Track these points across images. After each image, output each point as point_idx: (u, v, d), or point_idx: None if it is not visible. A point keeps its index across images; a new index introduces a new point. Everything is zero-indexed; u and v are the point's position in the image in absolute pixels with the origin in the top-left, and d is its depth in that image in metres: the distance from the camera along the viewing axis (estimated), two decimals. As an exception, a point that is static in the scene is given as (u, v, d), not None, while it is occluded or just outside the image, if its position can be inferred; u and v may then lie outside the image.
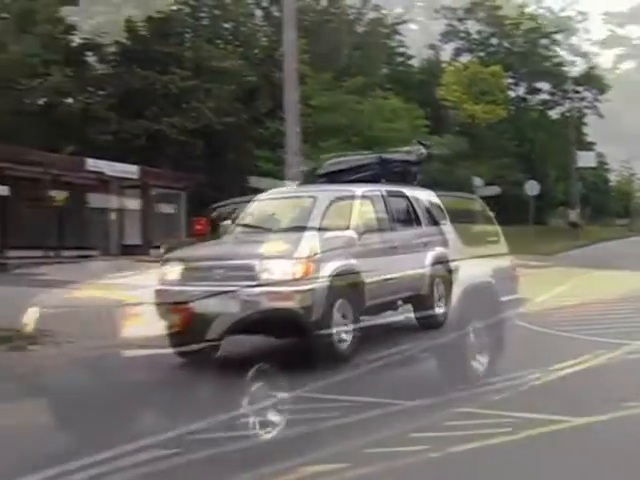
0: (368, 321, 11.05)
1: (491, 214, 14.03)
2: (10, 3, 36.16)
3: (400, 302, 11.69)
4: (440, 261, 12.20)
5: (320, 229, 10.82)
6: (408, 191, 12.53)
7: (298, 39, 26.79)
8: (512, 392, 10.34)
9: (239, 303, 9.55)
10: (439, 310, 11.86)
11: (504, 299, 12.02)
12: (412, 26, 60.75)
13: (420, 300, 11.75)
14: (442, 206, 12.87)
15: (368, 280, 10.92)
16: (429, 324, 11.66)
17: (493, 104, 48.88)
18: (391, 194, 12.27)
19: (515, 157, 54.69)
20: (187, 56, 41.51)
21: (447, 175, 40.51)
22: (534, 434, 8.52)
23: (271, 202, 12.41)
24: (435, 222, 12.64)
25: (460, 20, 61.13)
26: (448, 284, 12.04)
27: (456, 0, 61.35)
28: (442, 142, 44.18)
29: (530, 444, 8.33)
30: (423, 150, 13.47)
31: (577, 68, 63.67)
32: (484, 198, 42.29)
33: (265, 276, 9.84)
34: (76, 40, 40.92)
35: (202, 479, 7.26)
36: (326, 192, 12.00)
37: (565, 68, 62.77)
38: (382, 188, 12.27)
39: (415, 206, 12.43)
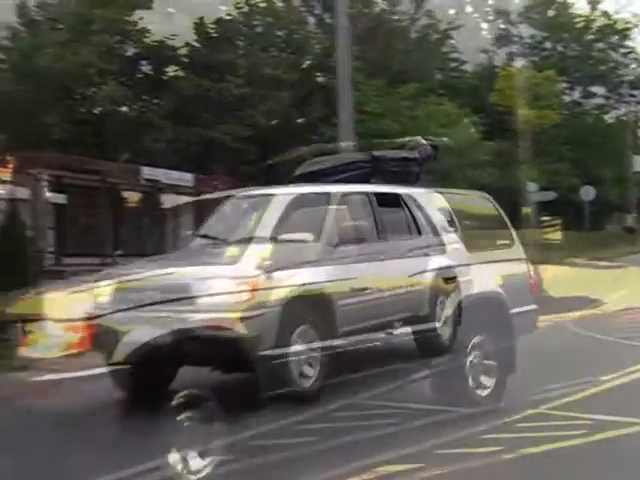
0: (346, 348, 9.22)
1: (503, 213, 11.81)
2: (67, 13, 36.51)
3: (398, 324, 9.86)
4: (445, 276, 10.35)
5: (276, 239, 9.08)
6: (405, 193, 10.74)
7: (351, 45, 26.74)
8: (585, 394, 10.21)
9: (164, 329, 7.89)
10: (444, 333, 10.02)
11: (516, 311, 10.67)
12: (486, 30, 60.81)
13: (419, 322, 9.90)
14: (451, 211, 11.03)
15: (343, 301, 9.17)
16: (431, 350, 9.91)
17: (547, 109, 48.55)
18: (381, 196, 10.44)
19: (570, 162, 54.23)
20: (241, 63, 41.69)
21: (500, 180, 40.33)
22: (609, 436, 8.39)
23: (240, 204, 10.61)
24: (440, 229, 10.78)
25: (513, 24, 60.85)
26: (455, 303, 10.26)
27: (510, 4, 61.07)
28: (495, 148, 44.02)
29: (605, 447, 8.20)
30: (428, 147, 11.62)
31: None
32: (540, 203, 42.08)
33: (203, 299, 8.24)
34: (131, 50, 41.36)
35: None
36: (287, 192, 10.09)
37: (621, 71, 62.17)
38: (370, 189, 10.49)
39: (413, 211, 10.64)
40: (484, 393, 10.08)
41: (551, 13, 60.71)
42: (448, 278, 10.32)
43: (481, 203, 11.77)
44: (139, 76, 41.49)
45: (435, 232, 10.59)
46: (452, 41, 54.41)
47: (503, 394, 10.18)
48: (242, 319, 8.32)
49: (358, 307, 9.36)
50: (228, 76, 40.40)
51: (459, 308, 10.14)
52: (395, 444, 8.02)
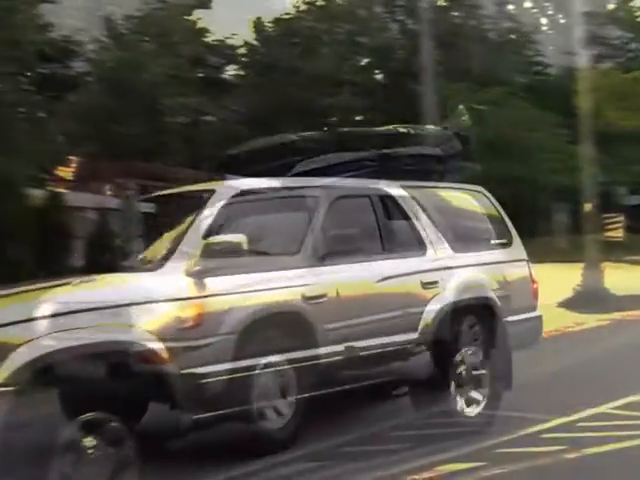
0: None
1: (500, 209, 10.32)
2: (152, 25, 37.15)
3: (418, 349, 8.68)
4: (471, 293, 9.27)
5: (209, 247, 7.47)
6: (421, 193, 9.37)
7: (434, 50, 26.87)
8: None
9: (52, 347, 6.39)
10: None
11: (514, 319, 9.51)
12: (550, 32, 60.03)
13: (437, 350, 8.78)
14: (482, 214, 9.96)
15: (330, 325, 7.98)
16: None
17: (634, 111, 47.76)
18: (386, 198, 9.10)
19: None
20: (324, 70, 42.00)
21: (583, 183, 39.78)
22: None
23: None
24: (467, 238, 9.61)
25: (599, 25, 60.01)
26: (485, 323, 9.24)
27: (595, 5, 60.20)
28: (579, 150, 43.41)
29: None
30: (456, 142, 10.11)
31: None
32: (630, 207, 41.37)
33: (141, 325, 6.83)
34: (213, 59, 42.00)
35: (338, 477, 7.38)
36: (238, 184, 8.45)
37: None
38: (373, 186, 9.15)
39: (430, 215, 9.30)
40: (472, 412, 8.93)
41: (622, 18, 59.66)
42: (487, 299, 9.36)
43: (475, 198, 10.30)
44: (219, 84, 42.09)
45: (415, 232, 9.25)
46: (535, 44, 53.91)
47: (496, 413, 9.05)
48: (191, 351, 7.02)
49: (354, 332, 8.23)
50: (309, 83, 40.75)
51: (441, 318, 8.88)
52: (457, 443, 8.11)
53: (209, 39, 41.67)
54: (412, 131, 10.33)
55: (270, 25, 45.30)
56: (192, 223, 7.81)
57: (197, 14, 40.79)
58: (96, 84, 35.91)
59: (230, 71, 44.37)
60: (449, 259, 9.30)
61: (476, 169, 10.69)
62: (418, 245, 9.17)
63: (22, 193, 26.34)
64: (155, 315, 6.98)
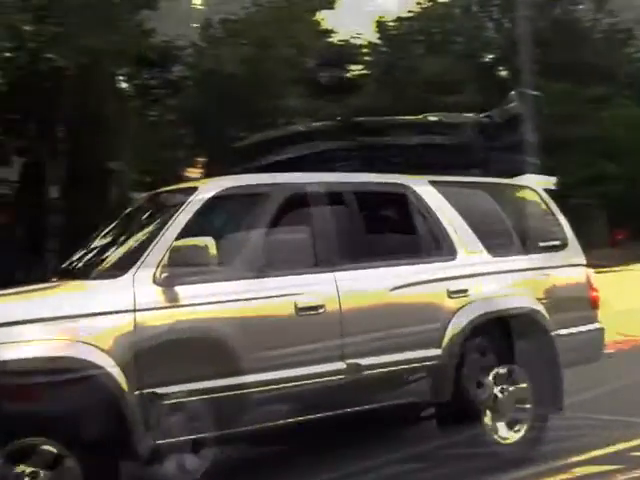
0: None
1: (554, 207, 8.76)
2: (249, 29, 37.27)
3: (418, 375, 7.35)
4: (509, 303, 7.98)
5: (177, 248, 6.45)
6: (443, 189, 8.04)
7: (532, 49, 26.66)
8: None
9: None
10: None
11: (566, 332, 8.19)
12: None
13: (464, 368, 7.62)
14: (528, 213, 8.63)
15: (265, 354, 6.62)
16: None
17: None
18: (389, 192, 7.85)
19: None
20: (446, 69, 41.98)
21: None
22: None
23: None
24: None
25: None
26: (527, 337, 7.87)
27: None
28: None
29: None
30: (473, 130, 8.78)
31: None
32: None
33: (86, 340, 5.94)
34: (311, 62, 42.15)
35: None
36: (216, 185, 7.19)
37: None
38: (372, 180, 7.85)
39: (439, 215, 7.90)
40: (510, 440, 7.80)
41: None
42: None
43: (522, 195, 8.82)
44: (341, 85, 42.36)
45: (440, 231, 7.87)
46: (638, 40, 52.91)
47: (541, 440, 7.99)
48: (70, 387, 5.82)
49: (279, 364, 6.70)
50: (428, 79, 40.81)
51: (471, 332, 7.60)
52: (590, 447, 8.00)
53: (334, 39, 42.21)
54: (445, 120, 9.03)
55: (393, 24, 45.50)
56: (162, 226, 6.74)
57: (321, 15, 41.30)
58: (193, 87, 36.21)
59: (354, 71, 44.70)
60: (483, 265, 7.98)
61: (529, 162, 9.07)
62: (421, 250, 7.85)
63: (128, 196, 26.88)
64: (103, 329, 6.05)
